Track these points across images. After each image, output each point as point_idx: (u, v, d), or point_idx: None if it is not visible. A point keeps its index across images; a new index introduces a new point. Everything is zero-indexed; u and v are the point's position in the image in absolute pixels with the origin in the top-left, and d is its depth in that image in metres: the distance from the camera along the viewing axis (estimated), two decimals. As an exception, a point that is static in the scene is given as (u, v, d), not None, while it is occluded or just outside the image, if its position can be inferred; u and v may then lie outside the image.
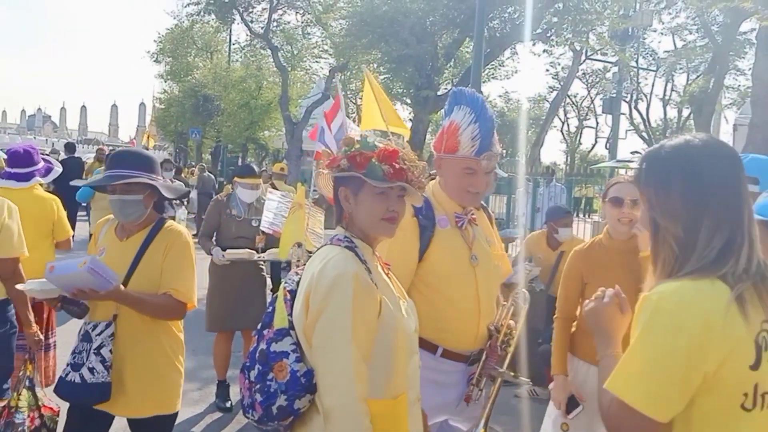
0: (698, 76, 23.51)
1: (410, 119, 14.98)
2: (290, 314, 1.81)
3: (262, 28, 17.71)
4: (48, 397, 2.89)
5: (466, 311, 2.38)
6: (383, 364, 1.77)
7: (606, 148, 22.77)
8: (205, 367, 5.27)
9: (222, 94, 22.54)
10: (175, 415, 2.63)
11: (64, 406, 2.61)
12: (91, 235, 3.41)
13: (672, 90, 29.28)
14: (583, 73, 30.65)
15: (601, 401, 1.39)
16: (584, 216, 18.80)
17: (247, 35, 20.36)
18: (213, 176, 16.85)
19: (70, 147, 12.89)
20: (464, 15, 12.45)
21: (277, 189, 7.04)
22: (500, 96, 37.04)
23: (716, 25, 19.76)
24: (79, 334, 2.52)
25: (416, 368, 1.91)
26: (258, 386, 1.72)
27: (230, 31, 24.43)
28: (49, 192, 4.63)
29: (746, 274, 1.31)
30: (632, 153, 13.44)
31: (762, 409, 1.30)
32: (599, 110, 31.61)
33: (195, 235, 3.91)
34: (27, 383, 2.53)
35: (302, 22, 18.46)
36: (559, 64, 27.23)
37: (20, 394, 2.52)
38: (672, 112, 30.06)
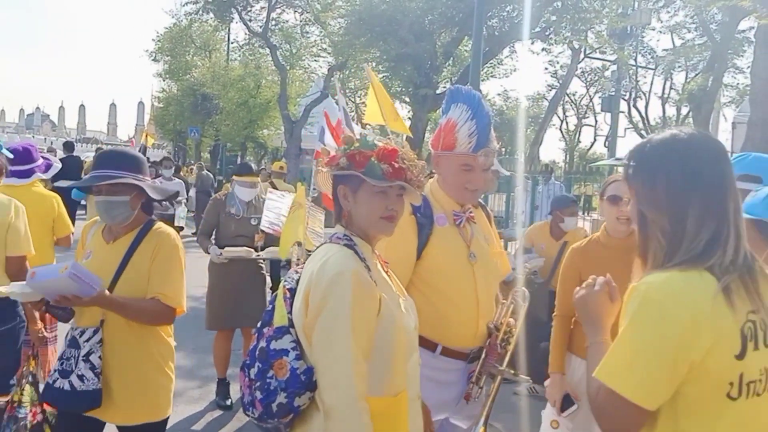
0: (697, 74, 23.57)
1: (409, 118, 15.01)
2: (290, 312, 1.81)
3: (260, 26, 17.68)
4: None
5: (465, 309, 2.38)
6: (383, 361, 1.77)
7: (605, 146, 22.84)
8: (205, 366, 5.28)
9: (221, 92, 22.53)
10: (166, 420, 2.58)
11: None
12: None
13: (671, 88, 29.35)
14: (582, 72, 30.71)
15: (589, 389, 1.41)
16: (583, 214, 18.77)
17: (245, 34, 20.40)
18: (212, 175, 16.84)
19: (68, 146, 12.90)
20: (463, 13, 12.47)
21: (276, 188, 7.05)
22: (499, 94, 37.21)
23: (715, 24, 19.81)
24: (66, 339, 2.46)
25: (416, 366, 1.92)
26: (258, 384, 1.73)
27: (229, 29, 24.46)
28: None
29: (733, 265, 1.33)
30: (631, 151, 13.44)
31: (747, 398, 1.32)
32: (598, 108, 31.66)
33: (194, 234, 3.91)
34: (30, 378, 2.53)
35: (301, 21, 18.44)
36: (557, 63, 27.22)
37: (23, 389, 2.52)
38: (671, 110, 30.15)
